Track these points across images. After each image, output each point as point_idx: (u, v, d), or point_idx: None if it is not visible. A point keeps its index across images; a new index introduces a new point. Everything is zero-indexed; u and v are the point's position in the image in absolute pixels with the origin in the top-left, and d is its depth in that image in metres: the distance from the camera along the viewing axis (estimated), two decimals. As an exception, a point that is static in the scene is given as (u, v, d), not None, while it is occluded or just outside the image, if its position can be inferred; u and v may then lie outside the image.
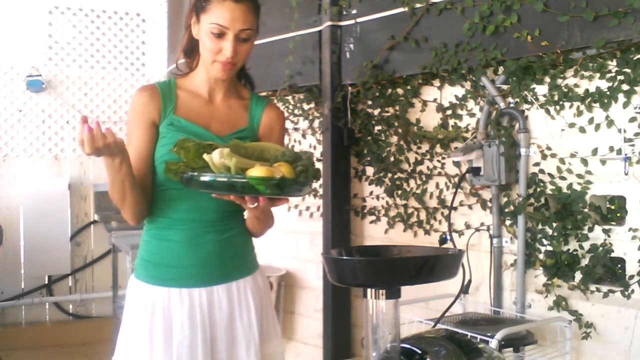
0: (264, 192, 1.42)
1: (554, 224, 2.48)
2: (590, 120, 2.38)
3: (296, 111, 3.54)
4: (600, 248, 2.37)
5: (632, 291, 2.29)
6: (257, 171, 1.41)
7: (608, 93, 2.32)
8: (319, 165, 3.36)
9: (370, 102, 3.14)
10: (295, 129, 3.56)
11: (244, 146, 1.53)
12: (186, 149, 1.47)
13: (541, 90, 2.52)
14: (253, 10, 1.63)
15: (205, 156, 1.43)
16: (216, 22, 1.59)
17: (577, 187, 2.43)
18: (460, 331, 2.07)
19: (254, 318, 1.71)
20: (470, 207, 2.80)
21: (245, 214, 1.73)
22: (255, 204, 1.48)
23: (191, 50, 1.74)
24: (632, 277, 2.29)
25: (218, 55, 1.62)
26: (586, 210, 2.40)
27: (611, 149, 2.34)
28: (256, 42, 1.71)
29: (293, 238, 3.64)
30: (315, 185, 3.42)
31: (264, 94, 3.36)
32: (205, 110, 1.70)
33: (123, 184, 1.56)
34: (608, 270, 2.42)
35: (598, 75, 2.35)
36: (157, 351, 1.62)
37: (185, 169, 1.47)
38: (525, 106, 2.58)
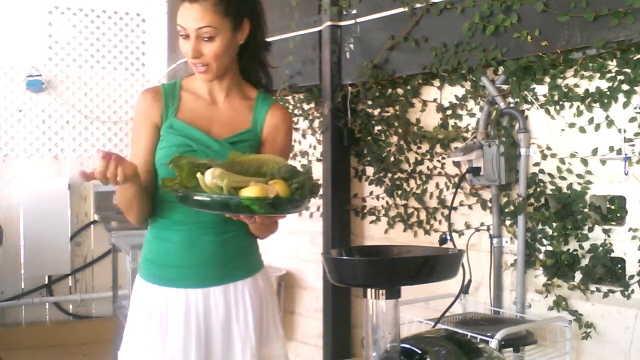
0: (258, 212, 1.41)
1: (554, 224, 2.48)
2: (590, 120, 2.38)
3: (296, 111, 3.54)
4: (600, 248, 2.37)
5: (632, 291, 2.29)
6: (250, 191, 1.41)
7: (608, 93, 2.32)
8: (318, 165, 3.37)
9: (370, 102, 3.14)
10: (295, 129, 3.56)
11: (240, 161, 1.52)
12: (180, 167, 1.46)
13: (541, 90, 2.52)
14: (212, 8, 1.60)
15: (198, 175, 1.42)
16: (178, 23, 1.63)
17: (577, 187, 2.43)
18: (460, 331, 2.07)
19: (251, 321, 1.70)
20: (470, 207, 2.80)
21: None
22: (252, 220, 1.50)
23: None
24: (632, 277, 2.29)
25: (187, 57, 1.63)
26: (586, 210, 2.40)
27: (611, 149, 2.34)
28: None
29: (293, 238, 3.64)
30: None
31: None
32: (207, 112, 1.70)
33: (131, 197, 1.60)
34: (608, 270, 2.42)
35: (598, 75, 2.34)
36: (152, 349, 1.63)
37: (180, 187, 1.46)
38: (525, 106, 2.58)
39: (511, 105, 2.61)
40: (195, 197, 1.42)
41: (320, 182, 3.32)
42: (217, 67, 1.65)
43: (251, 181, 1.44)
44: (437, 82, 2.92)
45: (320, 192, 3.35)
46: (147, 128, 1.67)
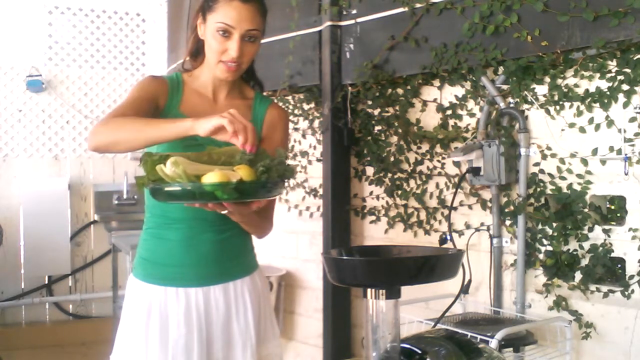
0: (221, 197, 1.36)
1: (554, 224, 2.48)
2: (590, 120, 2.38)
3: (296, 111, 3.54)
4: (600, 248, 2.37)
5: (632, 291, 2.29)
6: (211, 177, 1.36)
7: (608, 93, 2.32)
8: (318, 165, 3.37)
9: (370, 102, 3.14)
10: (295, 129, 3.56)
11: (209, 152, 1.48)
12: (145, 162, 1.42)
13: (541, 90, 2.52)
14: (260, 11, 1.62)
15: (157, 167, 1.39)
16: (223, 21, 1.58)
17: (577, 187, 2.43)
18: (460, 331, 2.07)
19: (251, 319, 1.71)
20: (470, 207, 2.80)
21: None
22: (227, 210, 1.44)
23: (197, 51, 1.73)
24: (632, 277, 2.29)
25: (223, 55, 1.61)
26: (586, 210, 2.40)
27: (611, 149, 2.34)
28: (256, 42, 1.70)
29: (293, 238, 3.64)
30: (315, 185, 3.43)
31: (264, 94, 3.36)
32: (208, 109, 1.70)
33: (153, 143, 1.51)
34: (608, 270, 2.42)
35: (598, 75, 2.34)
36: (152, 350, 1.63)
37: (149, 181, 1.42)
38: (525, 106, 2.58)
39: (511, 105, 2.61)
40: (155, 187, 1.39)
41: (320, 181, 3.33)
42: (244, 68, 1.66)
43: (215, 169, 1.39)
44: (437, 82, 2.92)
45: (320, 192, 3.37)
46: (149, 95, 1.63)
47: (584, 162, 2.41)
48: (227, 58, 1.61)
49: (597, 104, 2.36)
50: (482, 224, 2.75)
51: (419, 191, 2.98)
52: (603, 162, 2.37)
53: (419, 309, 2.68)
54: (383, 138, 3.14)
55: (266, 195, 1.44)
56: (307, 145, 3.53)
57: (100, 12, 5.08)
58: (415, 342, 1.30)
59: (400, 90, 3.04)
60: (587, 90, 2.38)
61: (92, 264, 5.00)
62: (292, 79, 3.40)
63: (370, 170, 3.22)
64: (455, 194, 2.75)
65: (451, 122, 2.85)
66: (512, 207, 2.61)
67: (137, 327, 1.65)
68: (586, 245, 2.42)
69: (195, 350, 1.64)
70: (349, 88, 3.17)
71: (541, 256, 2.54)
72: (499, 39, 2.52)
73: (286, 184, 1.48)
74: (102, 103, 5.03)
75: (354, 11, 3.13)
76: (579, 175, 2.42)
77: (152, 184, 1.41)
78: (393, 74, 2.97)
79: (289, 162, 1.61)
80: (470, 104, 2.78)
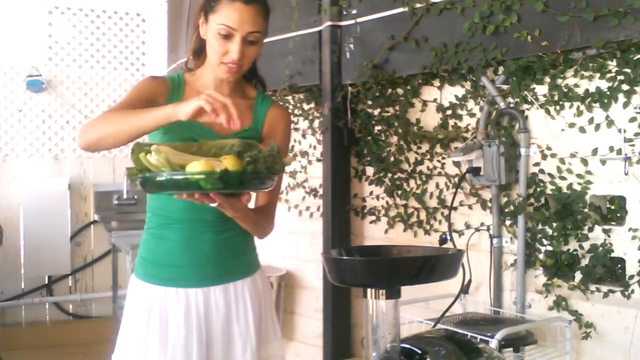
0: (205, 187, 1.32)
1: (554, 224, 2.48)
2: (590, 120, 2.38)
3: (296, 111, 3.54)
4: (600, 248, 2.37)
5: (632, 291, 2.29)
6: (195, 166, 1.33)
7: (608, 93, 2.32)
8: (318, 165, 3.37)
9: (370, 102, 3.14)
10: (296, 129, 3.56)
11: (200, 144, 1.46)
12: (133, 151, 1.39)
13: (541, 90, 2.52)
14: (262, 13, 1.62)
15: (140, 156, 1.36)
16: (224, 23, 1.57)
17: (577, 187, 2.43)
18: (460, 331, 2.07)
19: (251, 320, 1.70)
20: (470, 207, 2.80)
21: None
22: (217, 203, 1.41)
23: (200, 50, 1.73)
24: (632, 277, 2.29)
25: (224, 56, 1.60)
26: (586, 210, 2.40)
27: (611, 149, 2.34)
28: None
29: (293, 238, 3.64)
30: (315, 185, 3.43)
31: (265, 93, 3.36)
32: None
33: (137, 134, 1.48)
34: (608, 270, 2.42)
35: (598, 75, 2.34)
36: (152, 350, 1.63)
37: (137, 172, 1.39)
38: (525, 106, 2.58)
39: (511, 105, 2.61)
40: (140, 177, 1.37)
41: (320, 181, 3.33)
42: (246, 69, 1.66)
43: (201, 159, 1.37)
44: (437, 82, 2.92)
45: (320, 192, 3.37)
46: (146, 99, 1.61)
47: (584, 162, 2.41)
48: (229, 60, 1.60)
49: (597, 104, 2.36)
50: (482, 224, 2.75)
51: (419, 191, 2.98)
52: (603, 162, 2.37)
53: (419, 309, 2.68)
54: (383, 138, 3.14)
55: (252, 187, 1.42)
56: (307, 145, 3.53)
57: (100, 12, 5.08)
58: (415, 342, 1.30)
59: (400, 90, 3.04)
60: (587, 90, 2.38)
61: (92, 264, 5.00)
62: (292, 79, 3.40)
63: (370, 170, 3.22)
64: (455, 194, 2.75)
65: (451, 122, 2.85)
66: (512, 207, 2.61)
67: (137, 327, 1.65)
68: (586, 245, 2.42)
69: (194, 351, 1.63)
70: (349, 88, 3.17)
71: (541, 256, 2.54)
72: (499, 39, 2.52)
73: (275, 178, 1.45)
74: (102, 103, 5.03)
75: (354, 11, 3.13)
76: (579, 175, 2.42)
77: (139, 173, 1.38)
78: (393, 74, 2.97)
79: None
80: (470, 104, 2.78)
